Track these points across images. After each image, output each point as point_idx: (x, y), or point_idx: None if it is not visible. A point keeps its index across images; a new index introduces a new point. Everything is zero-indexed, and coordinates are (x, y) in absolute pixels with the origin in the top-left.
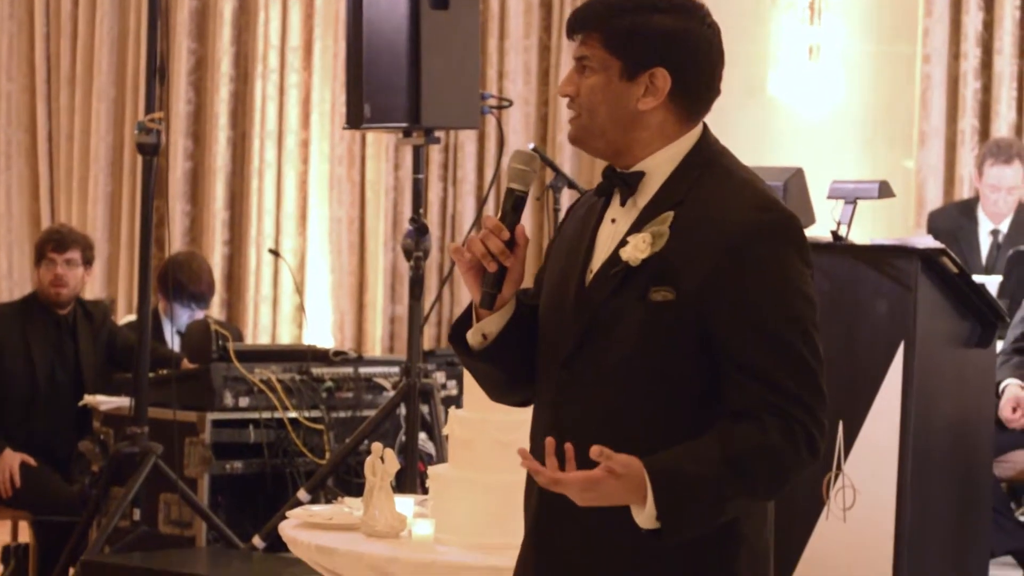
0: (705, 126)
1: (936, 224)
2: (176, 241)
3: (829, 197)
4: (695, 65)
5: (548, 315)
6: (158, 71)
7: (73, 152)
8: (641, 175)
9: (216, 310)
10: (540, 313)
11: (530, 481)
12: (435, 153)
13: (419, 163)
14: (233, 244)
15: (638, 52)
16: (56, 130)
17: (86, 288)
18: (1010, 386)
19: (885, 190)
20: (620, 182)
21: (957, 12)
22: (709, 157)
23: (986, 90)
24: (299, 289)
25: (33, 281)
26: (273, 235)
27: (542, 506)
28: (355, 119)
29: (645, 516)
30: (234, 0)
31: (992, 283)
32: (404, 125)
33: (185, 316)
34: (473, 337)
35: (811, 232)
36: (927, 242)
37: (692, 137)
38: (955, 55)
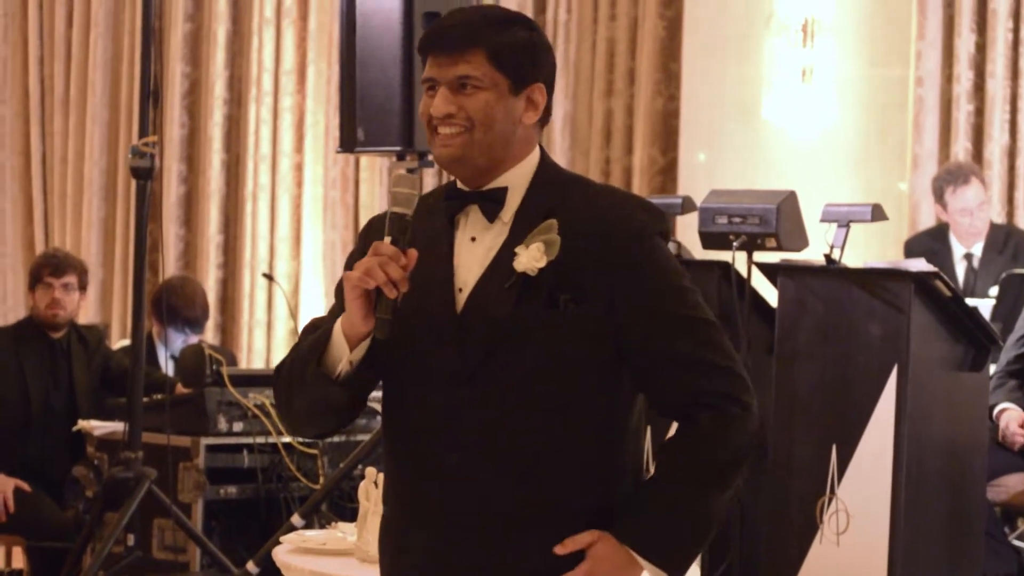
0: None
1: (912, 251)
2: (170, 265)
3: (822, 220)
4: (553, 81)
5: (411, 340)
6: (152, 94)
7: (67, 176)
8: (505, 190)
9: (210, 334)
10: (397, 340)
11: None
12: (428, 176)
13: None
14: (227, 268)
15: (523, 68)
16: (50, 154)
17: (80, 313)
18: (1011, 409)
19: (878, 213)
20: (482, 200)
21: (950, 35)
22: (558, 170)
23: (979, 113)
24: (293, 313)
25: (27, 305)
26: (267, 259)
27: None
28: (349, 143)
29: (655, 573)
30: (228, 23)
31: (985, 306)
32: (398, 148)
33: (179, 341)
34: (345, 365)
35: (804, 255)
36: (920, 265)
37: (537, 151)
38: (948, 78)
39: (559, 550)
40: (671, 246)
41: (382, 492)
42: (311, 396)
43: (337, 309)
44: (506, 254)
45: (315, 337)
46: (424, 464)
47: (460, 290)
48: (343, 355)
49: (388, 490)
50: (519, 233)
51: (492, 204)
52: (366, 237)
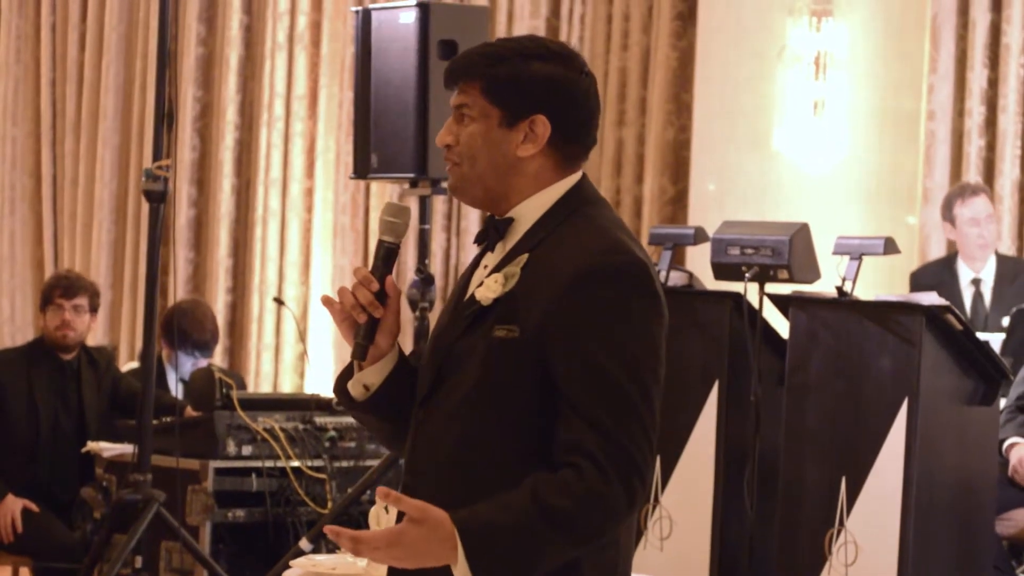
0: (584, 175)
1: (919, 282)
2: (179, 288)
3: (835, 253)
4: (574, 112)
5: (423, 362)
6: (167, 117)
7: (77, 198)
8: (510, 221)
9: (218, 357)
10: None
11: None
12: (439, 203)
13: (425, 213)
14: (236, 292)
15: (518, 100)
16: (61, 175)
17: (89, 335)
18: (1020, 444)
19: (891, 246)
20: (492, 228)
21: (962, 69)
22: (576, 205)
23: (990, 148)
24: (302, 337)
25: (37, 326)
26: (276, 283)
27: None
28: (362, 169)
29: (460, 572)
30: (240, 48)
31: (996, 340)
32: (411, 175)
33: (189, 364)
34: (354, 388)
35: (816, 287)
36: (932, 299)
37: (565, 184)
38: (960, 112)
39: (380, 491)
40: (680, 276)
41: None
42: (354, 416)
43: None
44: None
45: (347, 364)
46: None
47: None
48: (356, 379)
49: None
50: (503, 264)
51: (496, 234)
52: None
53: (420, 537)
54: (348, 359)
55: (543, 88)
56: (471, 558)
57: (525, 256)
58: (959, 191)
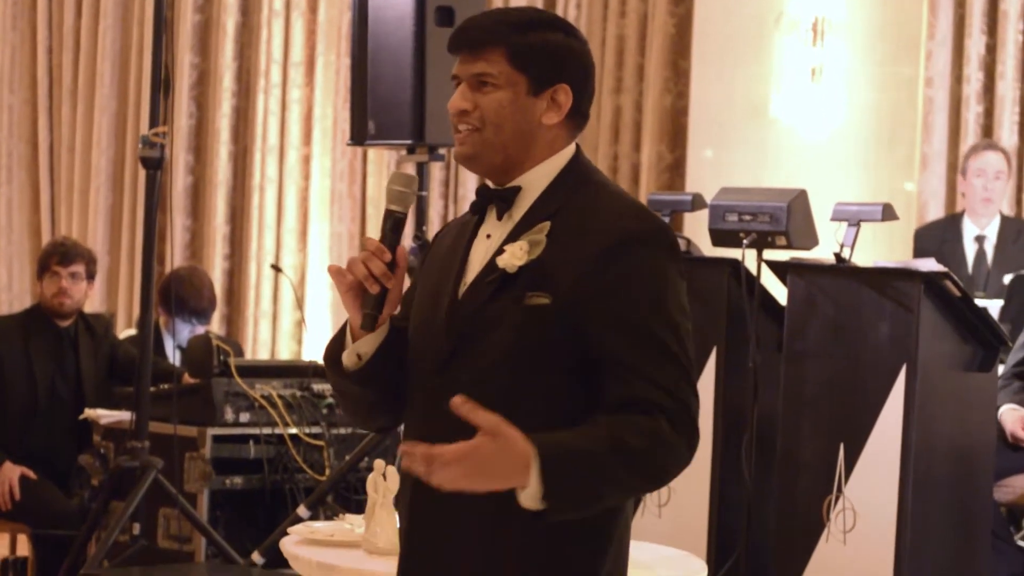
0: (577, 144)
1: (922, 243)
2: (177, 256)
3: (833, 219)
4: (587, 83)
5: (418, 330)
6: (163, 84)
7: (74, 165)
8: (517, 190)
9: (216, 325)
10: (411, 332)
11: (402, 486)
12: (437, 170)
13: (422, 180)
14: (233, 259)
15: (544, 68)
16: (57, 143)
17: (87, 302)
18: (1011, 409)
19: (889, 213)
20: (496, 198)
21: (960, 35)
22: (583, 172)
23: (988, 114)
24: (300, 304)
25: (34, 294)
26: (274, 250)
27: (415, 505)
28: (359, 136)
29: (529, 494)
30: (237, 15)
31: (994, 307)
32: (408, 142)
33: (186, 331)
34: (348, 358)
35: (814, 254)
36: (930, 265)
37: (567, 153)
38: (957, 78)
39: (455, 400)
40: (679, 242)
41: None
42: (336, 389)
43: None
44: (500, 251)
45: (337, 332)
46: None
47: (465, 284)
48: (350, 348)
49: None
50: (519, 231)
51: (503, 203)
52: (429, 250)
53: (494, 452)
54: (344, 326)
55: (565, 58)
56: (545, 480)
57: (547, 224)
58: (977, 145)
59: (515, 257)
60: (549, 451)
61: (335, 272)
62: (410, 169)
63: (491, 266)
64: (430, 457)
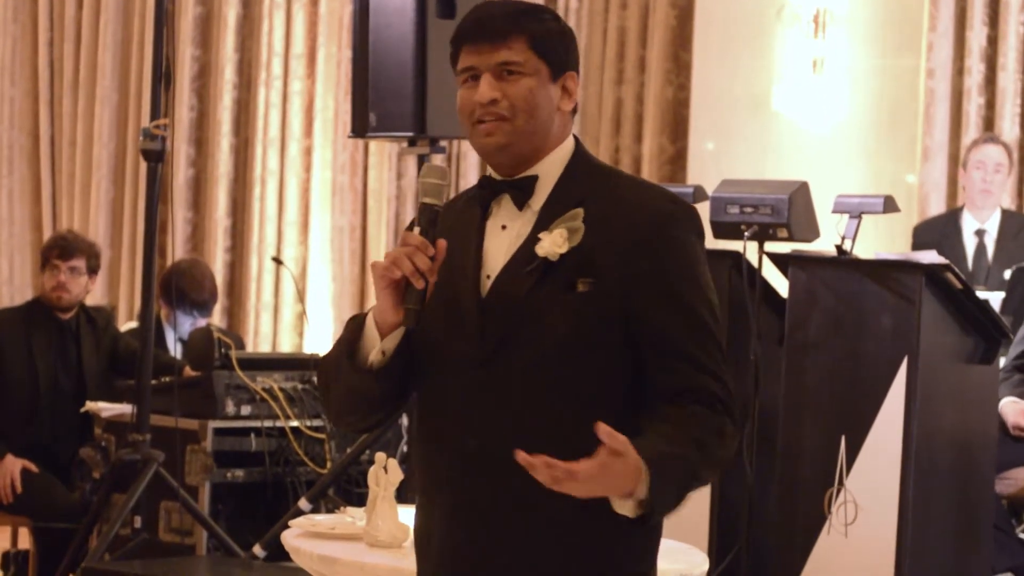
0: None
1: (921, 238)
2: (178, 248)
3: (834, 211)
4: (579, 71)
5: (439, 327)
6: (164, 76)
7: (75, 157)
8: (535, 179)
9: (217, 317)
10: (422, 328)
11: (434, 485)
12: (438, 162)
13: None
14: (235, 252)
15: (561, 56)
16: (59, 135)
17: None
18: (1012, 402)
19: (890, 205)
20: (512, 189)
21: (961, 27)
22: (591, 161)
23: (990, 106)
24: (301, 297)
25: (36, 286)
26: (275, 243)
27: (461, 503)
28: (360, 128)
29: (628, 503)
30: (238, 7)
31: (996, 299)
32: (409, 134)
33: (187, 324)
34: (376, 354)
35: (815, 246)
36: (931, 257)
37: (571, 141)
38: (959, 70)
39: (602, 428)
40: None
41: (416, 481)
42: (345, 386)
43: None
44: (531, 241)
45: (349, 328)
46: (446, 449)
47: (488, 277)
48: (375, 344)
49: (418, 478)
50: (546, 221)
51: (521, 193)
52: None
53: (622, 468)
54: (345, 319)
55: (572, 45)
56: (651, 491)
57: (580, 211)
58: (979, 138)
59: (556, 245)
60: (656, 465)
61: (381, 267)
62: (410, 160)
63: (527, 256)
64: (571, 472)
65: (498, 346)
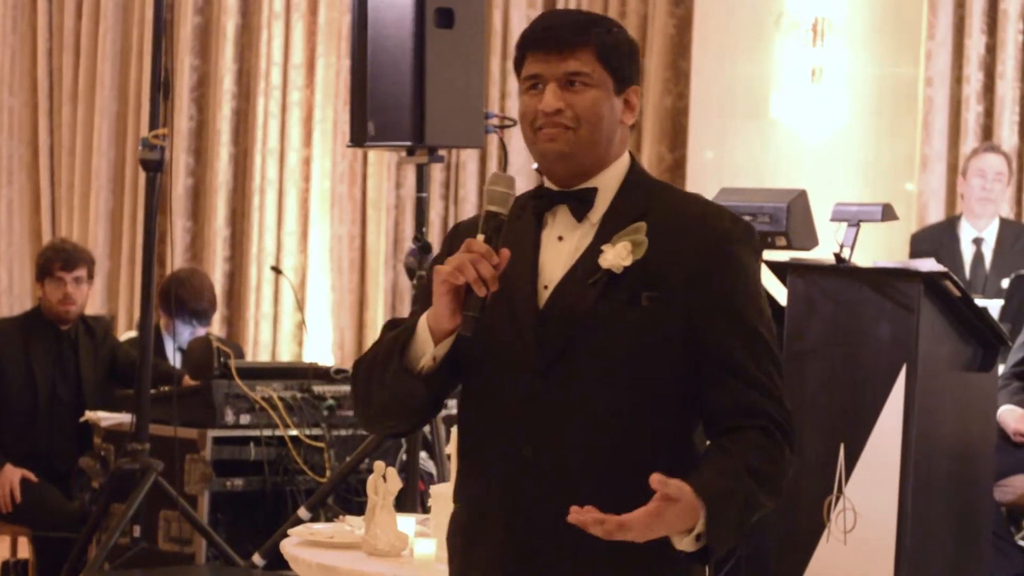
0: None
1: (919, 246)
2: (177, 258)
3: (832, 219)
4: (642, 85)
5: (493, 336)
6: (163, 86)
7: (75, 167)
8: (595, 191)
9: (216, 327)
10: (474, 337)
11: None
12: (437, 171)
13: (422, 181)
14: (234, 261)
15: (625, 69)
16: (58, 145)
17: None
18: (1010, 410)
19: (888, 213)
20: (572, 200)
21: (960, 35)
22: (646, 175)
23: (988, 114)
24: (300, 306)
25: (34, 296)
26: (274, 252)
27: (513, 523)
28: (359, 137)
29: (688, 539)
30: (237, 17)
31: (994, 307)
32: (408, 144)
33: (187, 333)
34: (428, 360)
35: (814, 254)
36: (930, 265)
37: (627, 155)
38: (958, 78)
39: (654, 479)
40: None
41: (453, 490)
42: (390, 392)
43: (420, 311)
44: (592, 252)
45: (397, 332)
46: (499, 458)
47: (545, 287)
48: (426, 350)
49: (459, 487)
50: (606, 234)
51: (581, 204)
52: (452, 242)
53: (676, 513)
54: (345, 328)
55: (635, 59)
56: (709, 525)
57: (643, 224)
58: (979, 147)
59: (620, 258)
60: (712, 502)
61: (445, 273)
62: (408, 170)
63: (588, 268)
64: (624, 525)
65: (558, 357)
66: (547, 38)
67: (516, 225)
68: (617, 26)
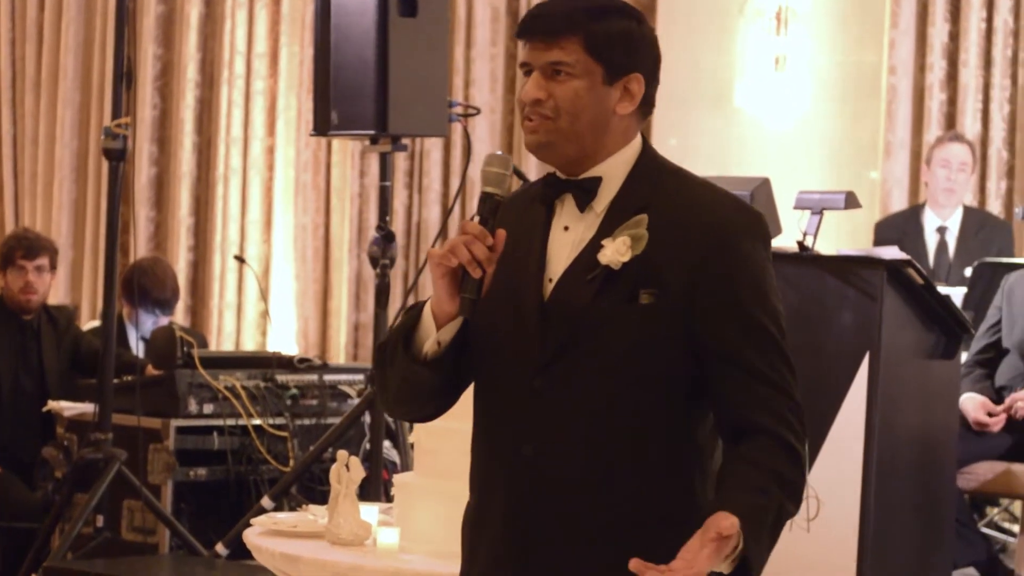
0: (642, 132)
1: (882, 234)
2: (141, 247)
3: (795, 207)
4: (656, 71)
5: (499, 327)
6: (125, 75)
7: (38, 157)
8: (599, 180)
9: (180, 316)
10: (483, 325)
11: (490, 492)
12: (401, 160)
13: (386, 170)
14: (198, 250)
15: (620, 57)
16: (21, 135)
17: (50, 293)
18: (969, 398)
19: (851, 201)
20: (576, 189)
21: (923, 24)
22: (657, 162)
23: (952, 102)
24: (264, 296)
25: None
26: (238, 242)
27: (514, 512)
28: (322, 126)
29: (727, 562)
30: (201, 6)
31: (957, 295)
32: (371, 132)
33: (149, 322)
34: (431, 345)
35: (777, 242)
36: (893, 253)
37: (638, 143)
38: (921, 67)
39: (725, 526)
40: None
41: (468, 480)
42: (399, 376)
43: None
44: (594, 245)
45: (406, 318)
46: (501, 453)
47: (550, 280)
48: (430, 334)
49: (471, 479)
50: (610, 225)
51: (584, 194)
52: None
53: (716, 550)
54: (309, 318)
55: (639, 46)
56: (748, 544)
57: (644, 217)
58: (944, 136)
59: (619, 253)
60: (750, 524)
61: (438, 256)
62: (372, 158)
63: (588, 262)
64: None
65: (557, 353)
66: (535, 27)
67: (528, 212)
68: (622, 12)
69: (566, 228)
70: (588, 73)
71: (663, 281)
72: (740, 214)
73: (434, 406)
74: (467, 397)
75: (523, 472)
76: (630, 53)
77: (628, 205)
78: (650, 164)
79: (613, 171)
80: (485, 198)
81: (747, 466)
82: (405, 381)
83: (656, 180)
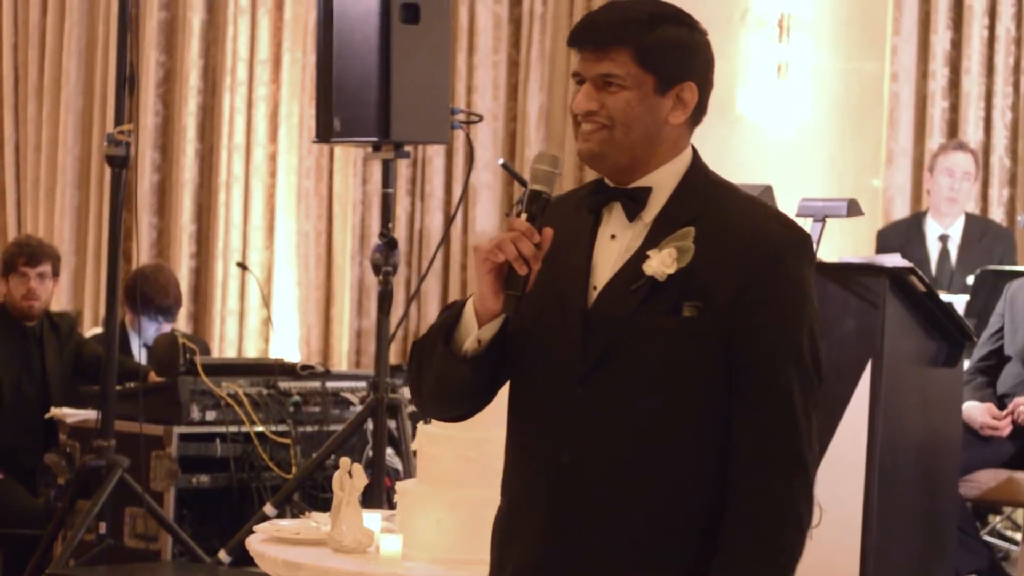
0: (692, 144)
1: (885, 242)
2: (143, 254)
3: (798, 215)
4: (709, 79)
5: (540, 333)
6: (128, 81)
7: (40, 163)
8: (649, 190)
9: (182, 323)
10: (526, 331)
11: (528, 491)
12: (403, 167)
13: (388, 177)
14: (200, 257)
15: (671, 67)
16: (23, 141)
17: (52, 300)
18: (973, 406)
19: (854, 208)
20: (625, 198)
21: (925, 31)
22: (708, 175)
23: (954, 109)
24: (266, 302)
25: None
26: (240, 248)
27: (552, 516)
28: (325, 133)
29: None
30: (203, 12)
31: (960, 302)
32: (374, 139)
33: (152, 329)
34: (471, 342)
35: None
36: (895, 260)
37: (689, 153)
38: (923, 74)
39: None
40: None
41: (501, 485)
42: (437, 374)
43: None
44: (640, 256)
45: (447, 315)
46: (537, 460)
47: (595, 288)
48: (472, 332)
49: (504, 484)
50: (657, 236)
51: (634, 203)
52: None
53: None
54: (311, 325)
55: (691, 55)
56: None
57: (691, 229)
58: (947, 144)
59: (664, 265)
60: None
61: (484, 251)
62: (375, 166)
63: (633, 272)
64: None
65: (598, 363)
66: (586, 37)
67: (575, 218)
68: (675, 20)
69: (613, 236)
70: (639, 84)
71: (707, 295)
72: (786, 231)
73: (467, 406)
74: None
75: (560, 479)
76: (682, 62)
77: (676, 217)
78: (700, 177)
79: (663, 181)
80: (534, 196)
81: (767, 512)
82: (443, 378)
83: (705, 193)
